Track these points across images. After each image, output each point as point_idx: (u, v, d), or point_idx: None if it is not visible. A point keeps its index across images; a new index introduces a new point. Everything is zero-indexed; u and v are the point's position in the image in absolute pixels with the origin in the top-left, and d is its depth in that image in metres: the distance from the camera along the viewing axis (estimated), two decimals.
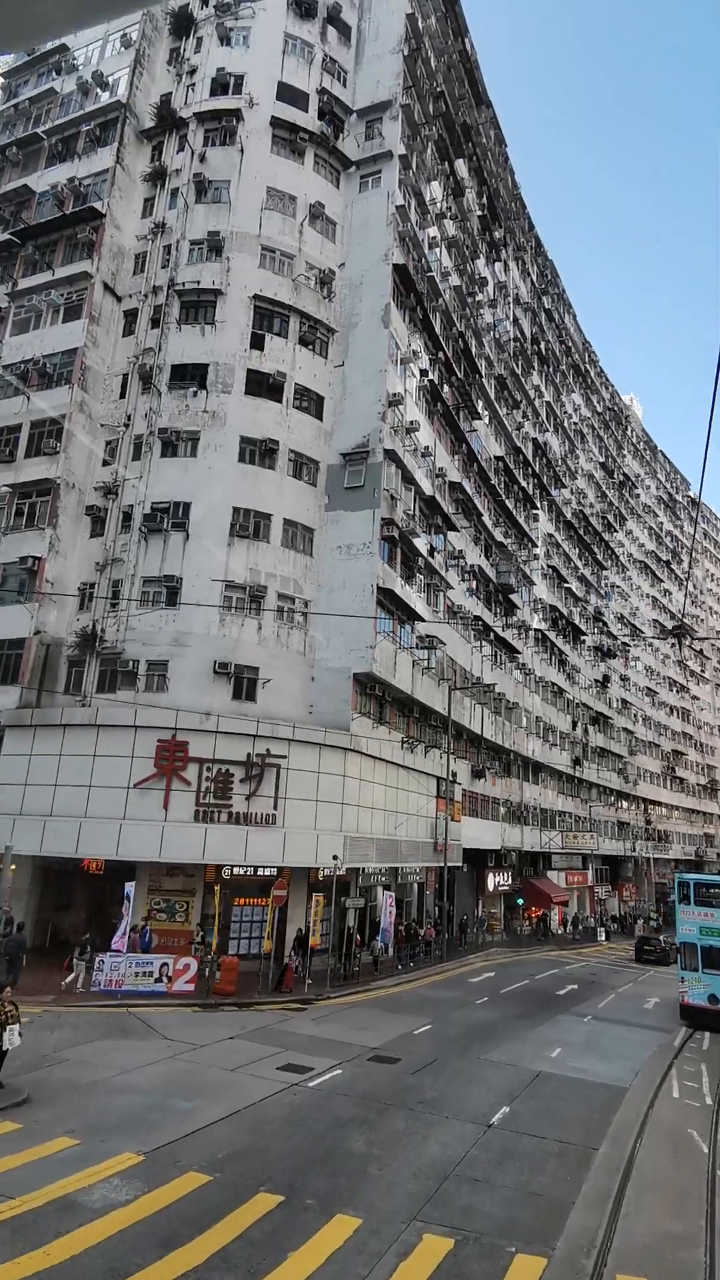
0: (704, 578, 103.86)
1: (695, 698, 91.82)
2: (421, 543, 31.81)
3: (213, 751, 22.98)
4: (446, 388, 37.58)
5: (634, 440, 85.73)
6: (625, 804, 68.40)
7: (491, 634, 41.18)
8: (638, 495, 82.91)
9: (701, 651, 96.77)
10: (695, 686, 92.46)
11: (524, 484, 49.72)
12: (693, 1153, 11.45)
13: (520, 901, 45.04)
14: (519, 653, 46.01)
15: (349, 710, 26.42)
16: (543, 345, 57.82)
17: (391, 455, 28.97)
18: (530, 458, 51.88)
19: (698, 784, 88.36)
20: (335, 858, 23.50)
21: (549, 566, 54.29)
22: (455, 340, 38.84)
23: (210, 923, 22.01)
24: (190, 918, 23.30)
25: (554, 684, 53.01)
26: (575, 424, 65.81)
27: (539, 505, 52.82)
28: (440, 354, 35.89)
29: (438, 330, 35.92)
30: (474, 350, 41.66)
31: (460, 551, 37.33)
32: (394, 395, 29.56)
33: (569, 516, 59.95)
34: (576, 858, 55.63)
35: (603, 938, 51.42)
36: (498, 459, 45.29)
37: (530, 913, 49.05)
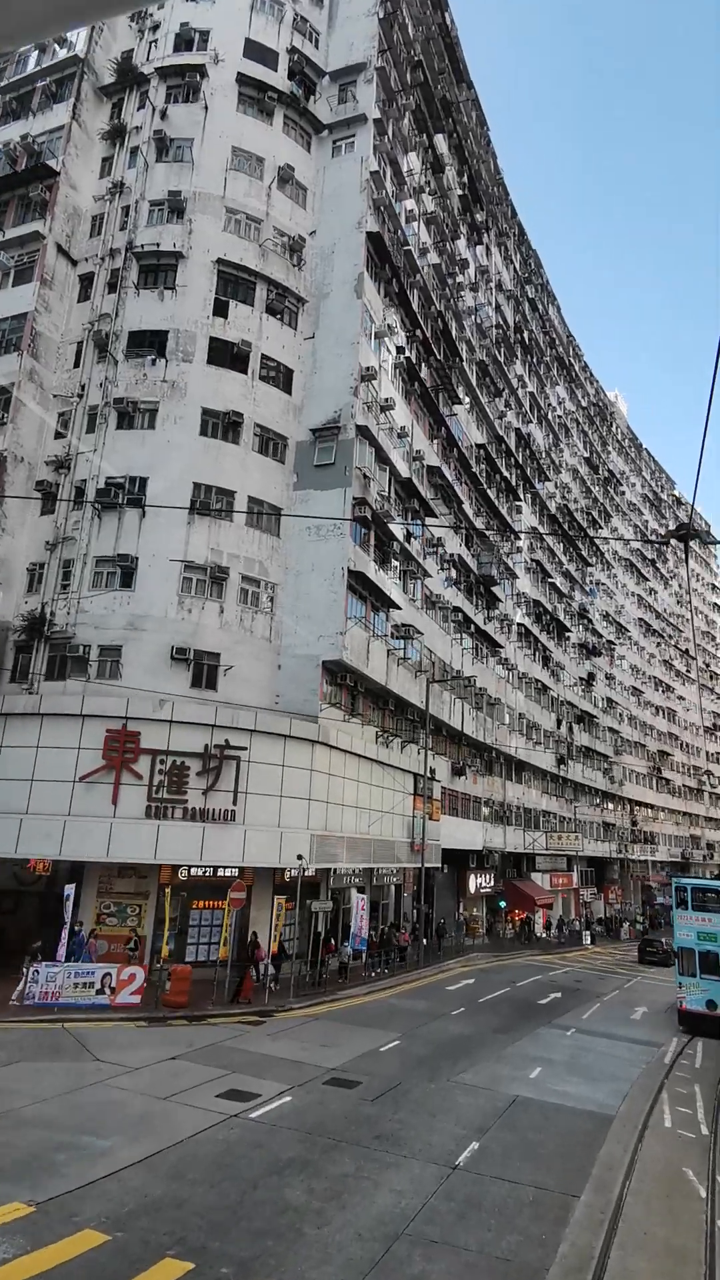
0: (689, 577, 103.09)
1: (681, 698, 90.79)
2: (397, 527, 30.19)
3: (167, 742, 21.17)
4: (425, 369, 36.03)
5: (619, 437, 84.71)
6: (611, 805, 67.04)
7: (472, 626, 39.62)
8: (623, 493, 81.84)
9: (687, 652, 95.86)
10: (681, 686, 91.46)
11: (506, 474, 48.28)
12: (689, 1199, 9.79)
13: (503, 904, 43.42)
14: (501, 647, 44.48)
15: (317, 700, 24.70)
16: (526, 335, 56.49)
17: (364, 432, 27.33)
18: (513, 448, 50.46)
19: (684, 785, 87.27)
20: (300, 857, 21.74)
21: (532, 560, 52.87)
22: (434, 320, 37.31)
23: (166, 928, 20.16)
24: (144, 922, 21.46)
25: (538, 680, 51.53)
26: (559, 417, 64.54)
27: (522, 497, 51.40)
28: (418, 332, 34.33)
29: (415, 308, 34.37)
30: (454, 333, 40.17)
31: (439, 539, 35.76)
32: (367, 369, 27.93)
33: (553, 510, 58.61)
34: (561, 859, 54.13)
35: (588, 941, 49.92)
36: (479, 447, 43.79)
37: (513, 916, 47.46)
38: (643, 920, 65.10)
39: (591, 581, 68.01)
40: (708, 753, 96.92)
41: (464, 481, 41.30)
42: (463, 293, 42.79)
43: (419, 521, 33.59)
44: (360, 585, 26.89)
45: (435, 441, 37.21)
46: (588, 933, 50.80)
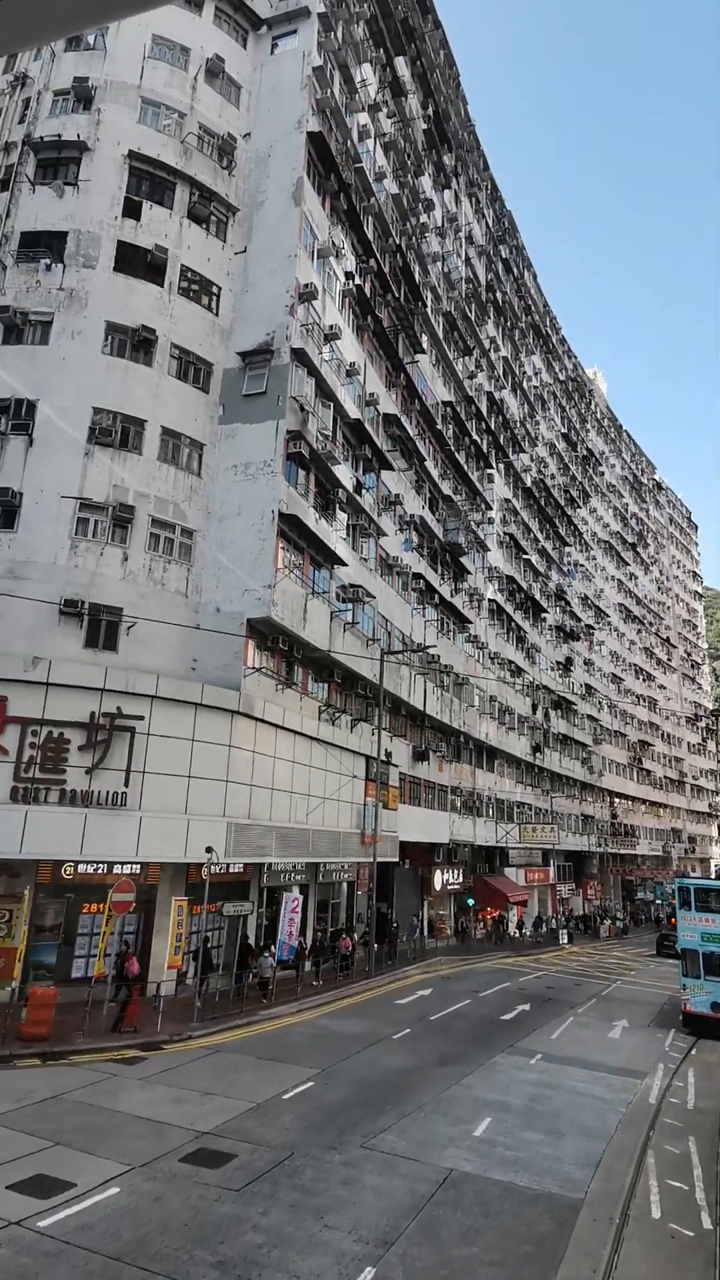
0: (670, 564, 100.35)
1: (662, 687, 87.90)
2: (344, 474, 26.45)
3: (43, 710, 17.25)
4: (383, 309, 32.32)
5: (598, 415, 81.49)
6: (590, 796, 63.78)
7: (436, 597, 35.98)
8: (602, 473, 78.60)
9: (668, 640, 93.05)
10: (662, 675, 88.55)
11: (476, 438, 44.67)
12: None
13: (471, 902, 39.85)
14: (470, 622, 40.90)
15: (241, 666, 20.89)
16: (499, 295, 52.91)
17: (301, 357, 23.54)
18: (484, 412, 46.87)
19: (665, 777, 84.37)
20: (210, 850, 17.93)
21: (506, 534, 49.33)
22: (393, 255, 33.58)
23: (23, 939, 16.24)
24: (14, 932, 17.53)
25: (511, 662, 48.02)
26: (536, 388, 61.07)
27: (494, 465, 47.84)
28: (372, 263, 30.57)
29: (370, 235, 30.64)
30: (417, 276, 36.48)
31: (398, 496, 32.02)
32: (306, 287, 24.13)
33: (528, 484, 55.14)
34: (536, 853, 50.64)
35: (565, 940, 46.50)
36: (446, 404, 40.14)
37: (484, 914, 43.96)
38: (623, 916, 61.94)
39: (569, 563, 64.67)
40: (689, 744, 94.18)
41: (428, 439, 37.64)
42: (427, 235, 39.10)
43: (373, 473, 29.86)
44: (296, 534, 23.12)
45: (394, 391, 33.51)
46: (564, 931, 47.38)
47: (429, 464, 36.44)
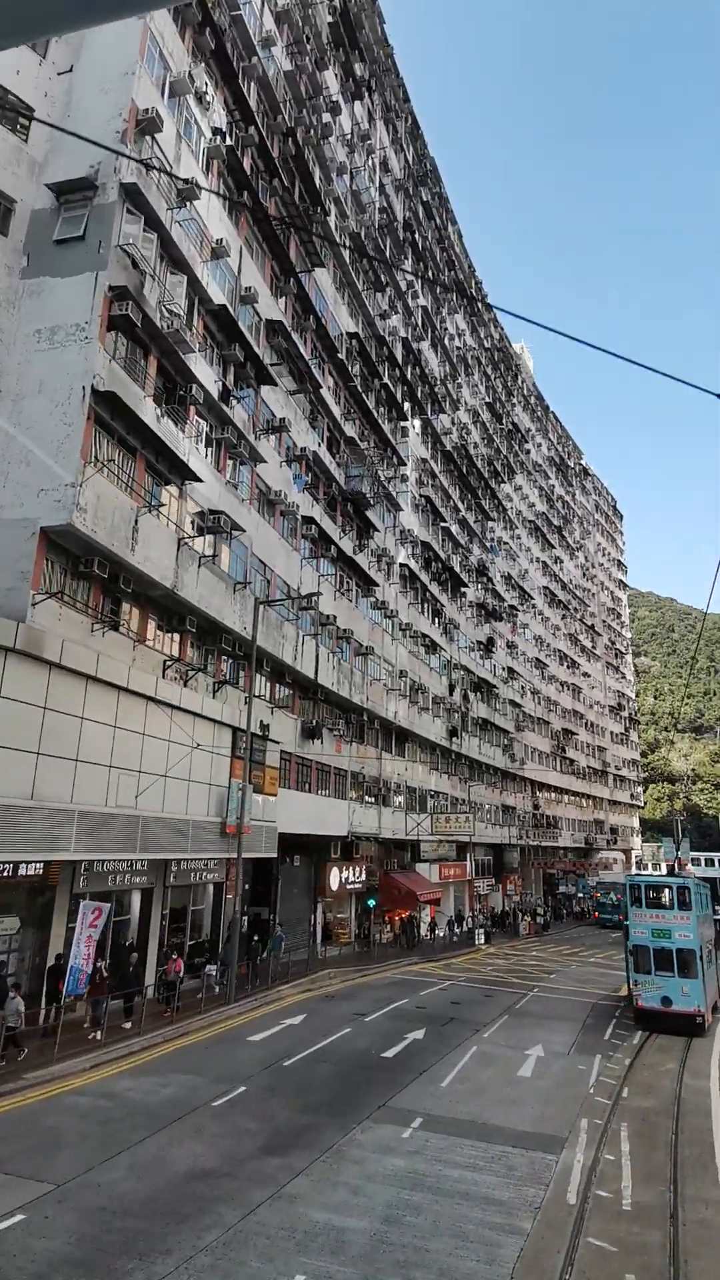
0: (595, 551, 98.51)
1: (586, 675, 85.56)
2: (205, 372, 21.10)
3: None
4: (269, 195, 27.11)
5: (524, 391, 78.28)
6: (511, 786, 60.11)
7: (334, 549, 30.94)
8: (528, 450, 75.38)
9: (593, 628, 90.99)
10: (586, 663, 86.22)
11: (390, 385, 39.94)
12: None
13: (372, 903, 35.00)
14: (376, 585, 36.06)
15: (28, 589, 15.28)
16: (418, 238, 48.32)
17: (135, 199, 18.05)
18: (399, 360, 42.18)
19: (588, 767, 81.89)
20: None
21: (422, 496, 44.79)
22: (284, 139, 28.36)
23: None
24: None
25: (426, 636, 43.50)
26: (459, 349, 56.89)
27: (410, 419, 43.20)
28: (254, 133, 25.27)
29: (251, 103, 25.35)
30: (318, 179, 31.36)
31: (284, 422, 26.78)
32: (147, 113, 18.62)
33: (449, 448, 50.79)
34: (452, 847, 46.34)
35: (481, 940, 42.29)
36: (351, 336, 35.15)
37: (392, 915, 39.27)
38: (544, 912, 58.43)
39: (493, 538, 60.86)
40: (612, 733, 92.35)
41: (328, 370, 32.58)
42: (331, 140, 34.00)
43: (250, 387, 24.55)
44: (125, 428, 17.63)
45: (284, 299, 28.32)
46: (481, 931, 43.17)
47: (326, 394, 31.36)
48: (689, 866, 72.36)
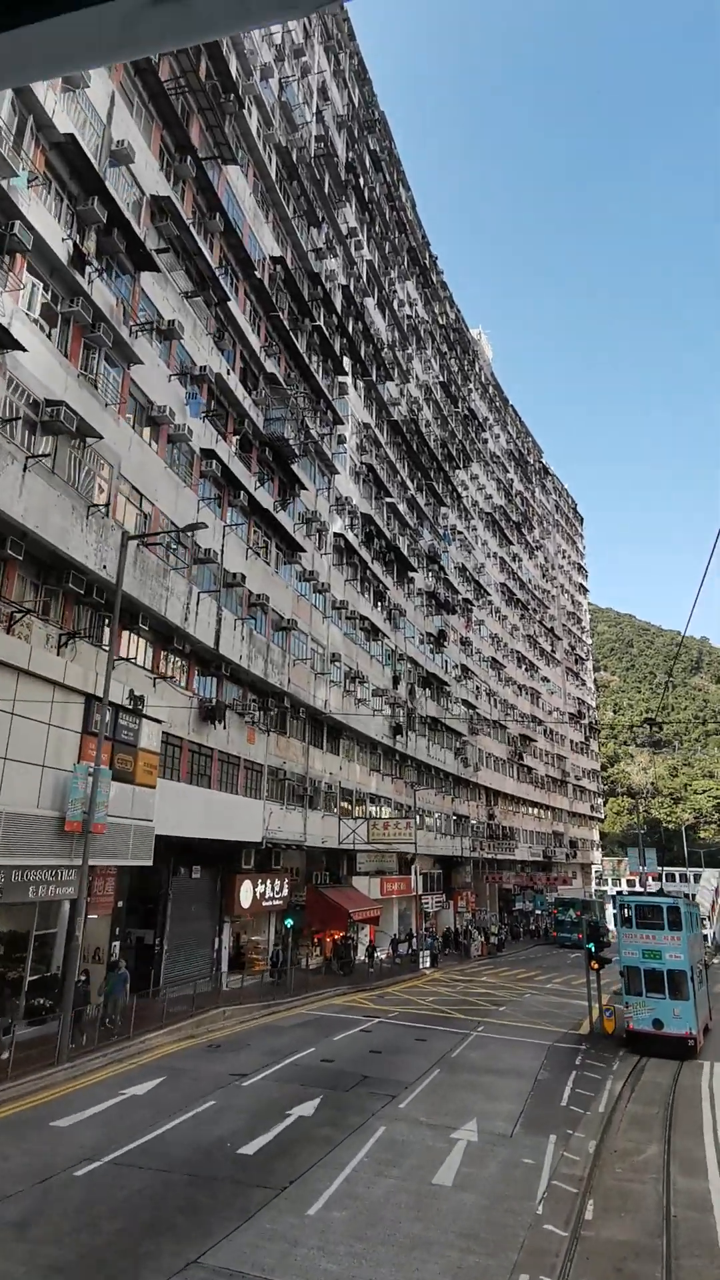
0: (556, 553, 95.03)
1: (546, 679, 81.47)
2: (42, 220, 15.95)
3: None
4: (164, 60, 22.20)
5: (483, 379, 74.51)
6: (464, 793, 55.28)
7: (245, 497, 25.81)
8: (485, 440, 71.42)
9: (553, 630, 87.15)
10: (546, 667, 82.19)
11: (323, 327, 35.19)
12: None
13: (290, 923, 29.57)
14: (303, 551, 31.04)
15: None
16: (363, 185, 43.96)
17: None
18: (339, 310, 37.53)
19: (547, 776, 77.54)
20: None
21: (364, 464, 40.01)
22: None
23: None
24: None
25: (366, 620, 38.54)
26: (409, 317, 52.57)
27: (348, 372, 38.51)
28: None
29: None
30: (233, 67, 26.57)
31: (174, 326, 21.64)
32: None
33: (397, 418, 46.24)
34: (394, 859, 41.20)
35: (426, 964, 37.19)
36: (276, 261, 30.31)
37: (323, 937, 33.94)
38: (500, 930, 53.51)
39: (446, 526, 56.38)
40: (572, 741, 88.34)
41: (241, 287, 27.65)
42: (259, 47, 29.37)
43: (126, 274, 19.40)
44: None
45: (181, 185, 23.38)
46: (426, 954, 38.05)
47: (238, 313, 26.38)
48: (650, 883, 68.30)
